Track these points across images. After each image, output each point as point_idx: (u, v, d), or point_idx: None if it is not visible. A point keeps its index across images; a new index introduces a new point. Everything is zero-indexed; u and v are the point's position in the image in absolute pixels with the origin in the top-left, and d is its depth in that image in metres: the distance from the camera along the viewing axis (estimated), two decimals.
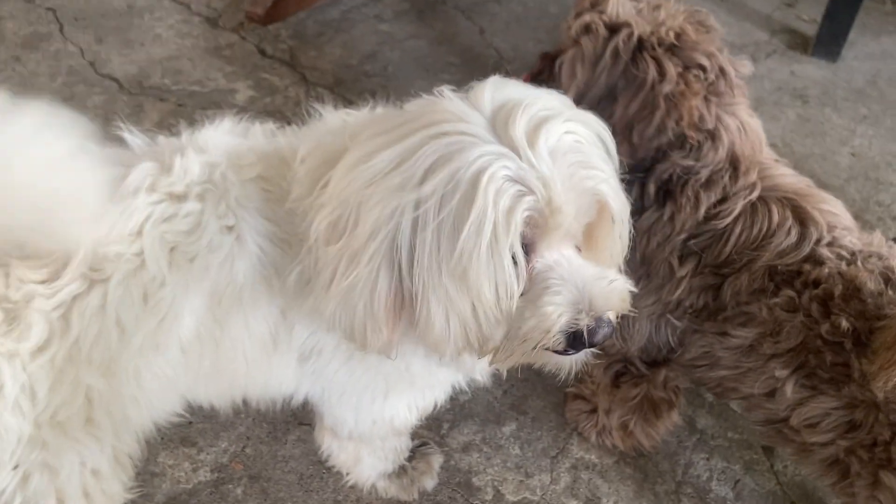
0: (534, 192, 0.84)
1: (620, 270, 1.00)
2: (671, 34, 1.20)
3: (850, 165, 2.25)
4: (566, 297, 0.89)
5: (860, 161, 2.25)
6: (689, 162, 1.20)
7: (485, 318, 0.87)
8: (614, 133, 0.97)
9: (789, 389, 1.13)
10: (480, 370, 1.14)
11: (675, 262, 1.22)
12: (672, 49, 1.19)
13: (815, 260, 1.13)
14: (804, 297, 1.12)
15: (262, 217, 1.00)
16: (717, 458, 1.59)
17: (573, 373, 1.01)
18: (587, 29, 1.22)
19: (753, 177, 1.20)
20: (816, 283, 1.11)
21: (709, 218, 1.20)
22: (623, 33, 1.20)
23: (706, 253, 1.20)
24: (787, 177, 1.23)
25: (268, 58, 2.40)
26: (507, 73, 2.27)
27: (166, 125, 1.83)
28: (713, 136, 1.20)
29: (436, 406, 1.22)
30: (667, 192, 1.22)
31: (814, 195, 1.21)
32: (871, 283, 1.08)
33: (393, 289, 0.88)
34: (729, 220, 1.18)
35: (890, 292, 1.08)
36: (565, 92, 1.05)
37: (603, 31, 1.21)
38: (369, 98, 1.15)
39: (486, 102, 0.89)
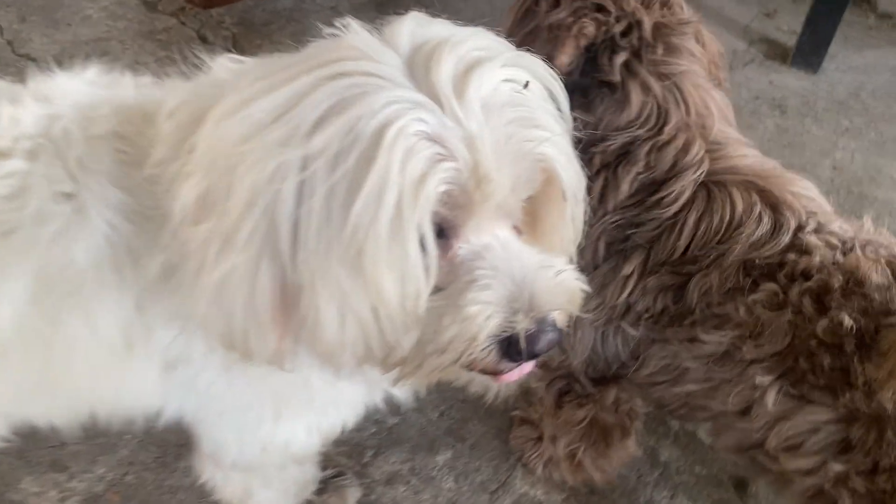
0: (456, 157, 0.65)
1: (571, 261, 0.79)
2: None
3: (832, 178, 2.10)
4: (498, 292, 0.69)
5: (842, 174, 2.11)
6: (590, 119, 1.04)
7: (388, 320, 0.67)
8: None
9: (771, 400, 0.93)
10: (400, 386, 0.94)
11: (602, 252, 1.05)
12: None
13: (800, 249, 0.95)
14: (793, 291, 0.93)
15: (112, 185, 0.79)
16: (682, 496, 1.38)
17: (506, 393, 0.81)
18: None
19: (697, 153, 1.02)
20: (807, 275, 0.93)
21: (650, 206, 1.02)
22: None
23: (655, 247, 1.02)
24: (748, 157, 1.06)
25: (208, 44, 2.20)
26: None
27: None
28: (620, 92, 1.04)
29: (343, 429, 1.01)
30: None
31: (782, 177, 1.04)
32: (876, 275, 0.90)
33: (278, 280, 0.68)
34: (676, 207, 1.00)
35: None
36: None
37: None
38: None
39: (404, 39, 0.69)
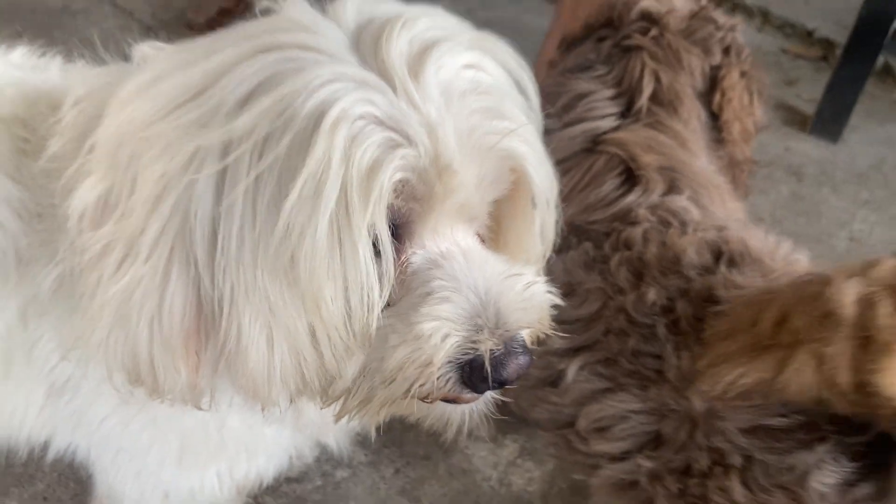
0: (413, 143, 0.55)
1: (540, 273, 0.69)
2: None
3: (848, 250, 1.98)
4: (458, 306, 0.58)
5: (859, 246, 2.00)
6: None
7: (328, 342, 0.56)
8: None
9: (571, 374, 0.88)
10: (335, 434, 0.82)
11: None
12: None
13: (627, 219, 0.93)
14: (613, 260, 0.91)
15: (5, 175, 0.70)
16: None
17: (470, 426, 0.68)
18: None
19: (605, 122, 1.09)
20: (628, 245, 0.91)
21: None
22: None
23: None
24: (663, 134, 1.08)
25: None
26: None
27: None
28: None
29: (261, 482, 0.88)
30: None
31: (669, 154, 1.03)
32: (692, 253, 0.86)
33: (192, 296, 0.57)
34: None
35: (723, 269, 0.85)
36: None
37: None
38: None
39: (350, 14, 0.60)
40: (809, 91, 2.72)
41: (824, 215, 2.09)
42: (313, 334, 0.55)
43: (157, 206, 0.55)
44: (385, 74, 0.56)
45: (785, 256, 0.91)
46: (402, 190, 0.56)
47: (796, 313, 0.66)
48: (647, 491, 0.83)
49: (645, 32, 1.13)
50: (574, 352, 0.91)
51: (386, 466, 1.30)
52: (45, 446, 0.81)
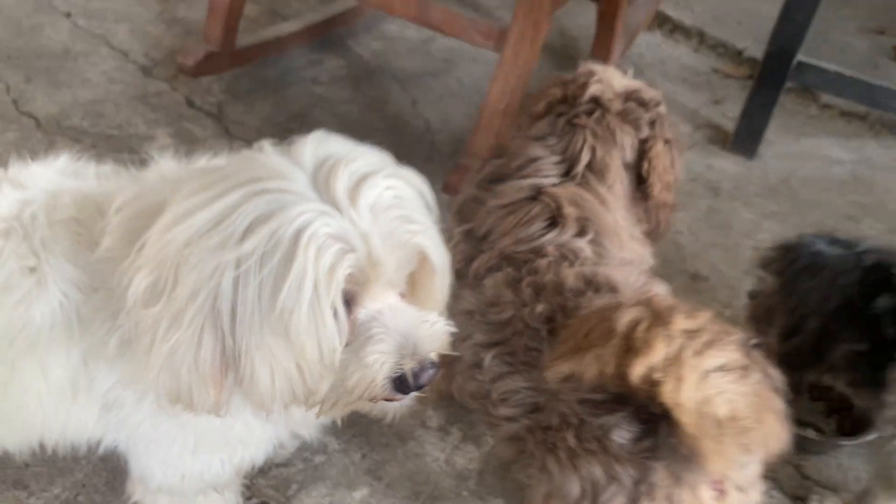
0: (355, 249, 0.86)
1: (441, 313, 1.02)
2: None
3: (752, 258, 2.28)
4: (390, 344, 0.91)
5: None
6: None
7: (309, 373, 0.88)
8: None
9: (488, 360, 1.24)
10: (307, 426, 1.14)
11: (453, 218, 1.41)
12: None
13: (540, 253, 1.26)
14: (524, 282, 1.23)
15: (68, 262, 1.00)
16: None
17: (401, 412, 1.03)
18: None
19: (549, 179, 1.38)
20: (536, 272, 1.23)
21: (487, 190, 1.39)
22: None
23: (477, 221, 1.36)
24: (588, 193, 1.37)
25: (194, 109, 2.44)
26: (432, 143, 2.30)
27: None
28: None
29: (263, 463, 1.20)
30: None
31: (588, 208, 1.34)
32: (571, 280, 1.19)
33: (218, 349, 0.88)
34: (499, 201, 1.36)
35: (590, 294, 1.17)
36: None
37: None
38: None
39: (308, 158, 0.91)
40: (734, 109, 2.96)
41: (734, 227, 2.38)
42: (300, 369, 0.87)
43: (193, 297, 0.85)
44: (335, 203, 0.86)
45: (638, 288, 1.23)
46: (350, 279, 0.87)
47: (596, 328, 0.99)
48: (525, 440, 1.18)
49: (591, 113, 1.43)
50: (492, 345, 1.25)
51: (354, 452, 1.61)
52: (98, 443, 1.13)
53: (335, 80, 2.78)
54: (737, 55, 3.27)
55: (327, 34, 2.97)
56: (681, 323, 0.90)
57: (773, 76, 2.49)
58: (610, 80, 1.50)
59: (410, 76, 2.87)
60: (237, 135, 2.40)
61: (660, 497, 1.01)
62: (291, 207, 0.85)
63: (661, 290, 1.29)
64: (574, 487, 1.07)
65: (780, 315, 1.55)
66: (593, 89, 1.46)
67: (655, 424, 0.99)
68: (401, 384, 0.92)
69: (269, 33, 2.75)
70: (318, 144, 0.94)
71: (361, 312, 0.92)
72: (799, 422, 1.75)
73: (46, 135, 2.22)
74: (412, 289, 0.99)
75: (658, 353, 0.89)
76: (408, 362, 0.91)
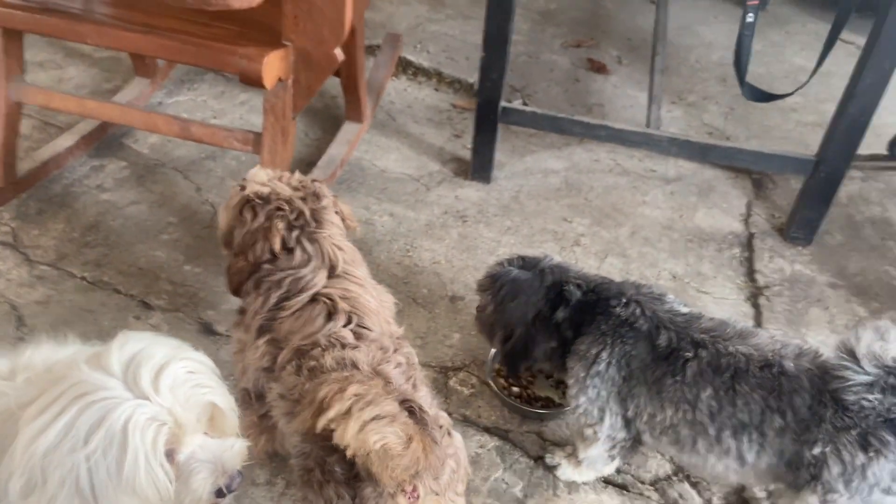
0: (166, 422, 1.25)
1: (238, 435, 1.45)
2: (266, 193, 1.87)
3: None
4: (205, 471, 1.32)
5: None
6: (271, 267, 1.83)
7: None
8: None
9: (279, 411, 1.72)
10: None
11: (255, 333, 1.77)
12: (265, 201, 1.87)
13: (317, 343, 1.67)
14: (304, 367, 1.65)
15: None
16: None
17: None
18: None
19: (318, 281, 1.78)
20: (313, 358, 1.65)
21: (283, 308, 1.76)
22: (239, 196, 1.90)
23: (273, 331, 1.75)
24: (348, 289, 1.79)
25: None
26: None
27: None
28: (290, 252, 1.83)
29: None
30: (256, 285, 1.83)
31: (354, 298, 1.77)
32: (329, 362, 1.62)
33: None
34: (289, 312, 1.75)
35: (339, 371, 1.58)
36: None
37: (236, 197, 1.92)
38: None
39: (115, 365, 1.27)
40: (471, 140, 3.59)
41: (479, 247, 2.92)
42: None
43: (61, 486, 1.19)
44: (144, 394, 1.25)
45: (375, 365, 1.65)
46: (167, 441, 1.27)
47: (311, 398, 1.45)
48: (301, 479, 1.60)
49: (298, 216, 1.86)
50: (290, 415, 1.68)
51: None
52: None
53: (120, 182, 3.05)
54: (469, 88, 3.86)
55: (104, 137, 3.22)
56: (353, 389, 1.38)
57: (486, 120, 3.07)
58: (257, 180, 1.94)
59: (190, 164, 3.19)
60: (37, 260, 2.64)
61: None
62: (115, 409, 1.22)
63: (400, 358, 1.75)
64: None
65: (498, 327, 2.12)
66: (266, 193, 1.89)
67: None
68: (219, 494, 1.34)
69: (46, 153, 2.97)
70: (121, 349, 1.31)
71: (181, 455, 1.31)
72: (538, 398, 2.36)
73: None
74: (213, 425, 1.41)
75: (332, 410, 1.35)
76: (221, 479, 1.33)
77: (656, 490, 2.14)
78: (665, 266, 2.94)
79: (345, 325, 1.71)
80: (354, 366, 1.63)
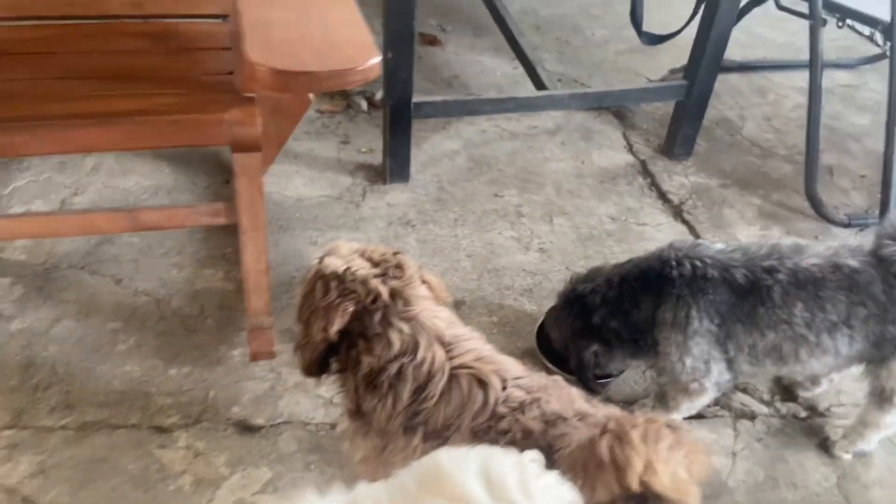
0: None
1: None
2: (342, 270, 1.66)
3: (469, 267, 2.89)
4: None
5: (476, 258, 2.91)
6: (372, 359, 1.63)
7: None
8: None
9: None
10: None
11: (401, 431, 1.62)
12: (340, 280, 1.65)
13: (497, 416, 1.57)
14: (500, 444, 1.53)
15: None
16: None
17: None
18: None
19: (440, 361, 1.63)
20: (504, 433, 1.54)
21: (421, 401, 1.61)
22: (315, 269, 1.70)
23: (427, 425, 1.61)
24: (471, 351, 1.68)
25: None
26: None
27: None
28: (385, 338, 1.64)
29: None
30: (371, 387, 1.64)
31: (488, 357, 1.68)
32: (535, 425, 1.51)
33: None
34: (433, 400, 1.60)
35: (551, 430, 1.49)
36: None
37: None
38: None
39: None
40: (363, 142, 3.47)
41: (444, 247, 2.88)
42: None
43: None
44: None
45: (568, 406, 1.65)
46: None
47: (583, 464, 1.39)
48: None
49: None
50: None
51: None
52: None
53: (20, 303, 2.51)
54: (328, 92, 3.70)
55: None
56: (634, 435, 1.30)
57: (401, 120, 3.01)
58: (337, 254, 1.73)
59: (86, 256, 2.70)
60: None
61: None
62: None
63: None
64: None
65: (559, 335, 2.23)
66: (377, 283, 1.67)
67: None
68: None
69: None
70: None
71: None
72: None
73: None
74: None
75: (637, 461, 1.26)
76: None
77: (722, 407, 2.41)
78: (601, 212, 3.18)
79: (503, 389, 1.62)
80: (559, 416, 1.59)
